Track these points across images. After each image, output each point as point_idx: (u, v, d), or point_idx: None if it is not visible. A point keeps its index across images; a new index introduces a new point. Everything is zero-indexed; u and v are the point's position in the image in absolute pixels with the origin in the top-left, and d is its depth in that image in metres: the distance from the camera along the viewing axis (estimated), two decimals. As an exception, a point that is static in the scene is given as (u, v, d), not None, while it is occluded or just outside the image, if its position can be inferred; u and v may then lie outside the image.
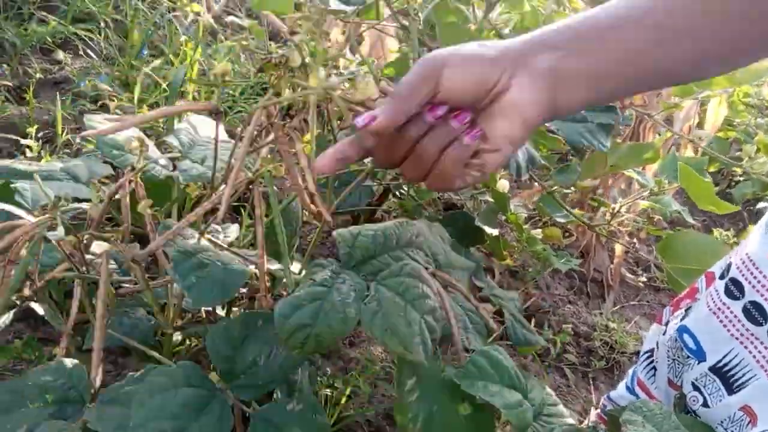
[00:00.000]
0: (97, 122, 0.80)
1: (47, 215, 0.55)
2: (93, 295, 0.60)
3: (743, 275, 0.71)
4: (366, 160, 1.11)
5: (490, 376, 0.57)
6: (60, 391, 0.53)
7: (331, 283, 0.57)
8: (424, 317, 0.54)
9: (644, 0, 0.46)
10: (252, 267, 0.59)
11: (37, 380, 0.53)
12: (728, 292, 0.73)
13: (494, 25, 1.23)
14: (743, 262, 0.71)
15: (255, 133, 0.53)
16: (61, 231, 0.51)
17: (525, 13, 1.26)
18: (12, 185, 0.74)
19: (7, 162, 0.87)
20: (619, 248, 1.78)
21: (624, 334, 1.59)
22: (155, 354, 0.60)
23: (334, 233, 0.63)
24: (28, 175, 0.82)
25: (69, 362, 0.54)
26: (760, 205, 2.40)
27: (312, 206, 0.48)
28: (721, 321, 0.74)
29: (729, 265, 0.75)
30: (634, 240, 2.00)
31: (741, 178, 2.61)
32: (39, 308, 0.66)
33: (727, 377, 0.74)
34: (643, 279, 1.95)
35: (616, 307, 1.77)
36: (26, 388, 0.52)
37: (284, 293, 0.67)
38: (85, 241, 0.57)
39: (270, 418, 0.54)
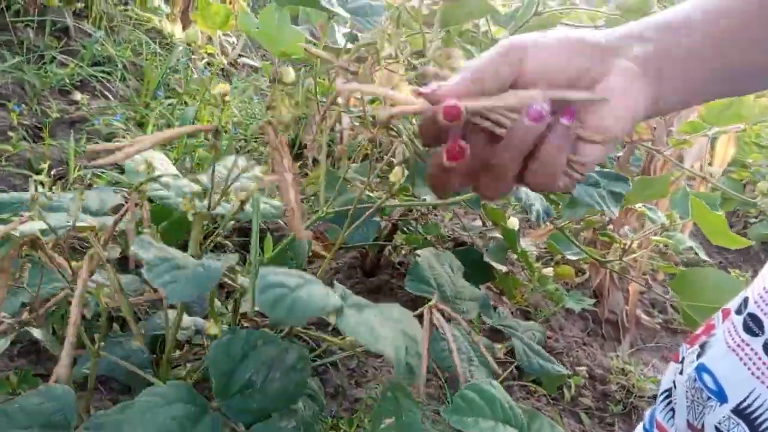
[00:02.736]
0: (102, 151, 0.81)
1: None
2: (91, 321, 0.59)
3: (762, 310, 0.68)
4: (372, 194, 1.11)
5: (481, 410, 0.54)
6: (47, 415, 0.52)
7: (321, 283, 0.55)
8: (407, 340, 0.52)
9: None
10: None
11: (25, 404, 0.52)
12: (747, 328, 0.70)
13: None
14: (761, 297, 0.69)
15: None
16: (36, 225, 0.50)
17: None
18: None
19: (19, 194, 0.88)
20: (633, 288, 1.74)
21: (641, 378, 1.54)
22: (149, 377, 0.58)
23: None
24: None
25: (59, 387, 0.53)
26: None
27: (294, 223, 0.47)
28: (741, 359, 0.71)
29: (746, 300, 0.72)
30: (648, 279, 1.96)
31: (755, 220, 2.57)
32: (37, 333, 0.65)
33: (751, 419, 0.70)
34: (660, 321, 1.90)
35: (632, 350, 1.72)
36: (14, 412, 0.51)
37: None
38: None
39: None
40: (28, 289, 0.59)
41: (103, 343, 0.58)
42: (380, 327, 0.51)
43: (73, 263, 0.52)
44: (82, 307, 0.51)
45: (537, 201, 0.71)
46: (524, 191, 0.70)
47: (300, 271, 0.55)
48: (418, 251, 0.74)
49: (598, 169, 0.96)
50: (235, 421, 0.53)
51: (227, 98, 0.57)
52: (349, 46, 1.14)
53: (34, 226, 0.54)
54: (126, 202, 0.90)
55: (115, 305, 0.63)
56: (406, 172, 0.72)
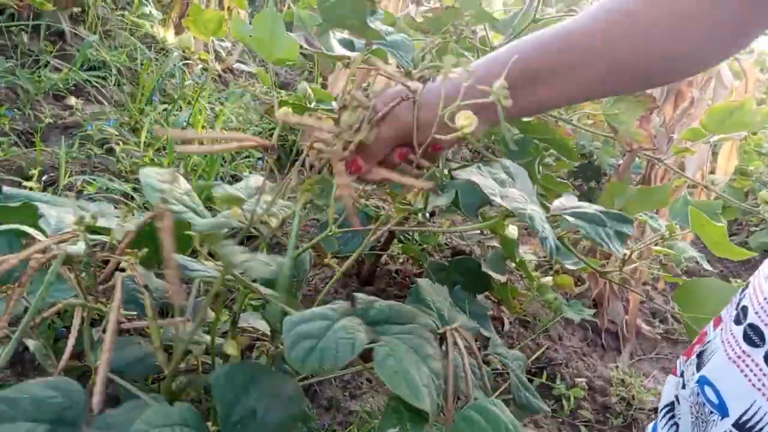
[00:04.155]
0: (153, 175, 0.79)
1: (69, 232, 0.52)
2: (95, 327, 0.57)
3: (762, 320, 0.66)
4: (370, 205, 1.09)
5: (483, 430, 0.52)
6: (56, 409, 0.50)
7: (341, 314, 0.57)
8: (432, 376, 0.53)
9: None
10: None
11: (35, 393, 0.50)
12: (747, 339, 0.68)
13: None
14: (762, 307, 0.67)
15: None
16: (81, 246, 0.49)
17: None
18: (38, 210, 0.71)
19: (24, 191, 0.86)
20: (633, 298, 1.71)
21: (642, 389, 1.51)
22: (142, 394, 0.56)
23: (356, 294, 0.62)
24: (45, 202, 0.81)
25: (72, 382, 0.51)
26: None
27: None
28: (742, 371, 0.69)
29: (744, 309, 0.70)
30: (648, 289, 1.94)
31: (756, 228, 2.55)
32: (31, 344, 0.63)
33: (752, 433, 0.68)
34: (660, 330, 1.88)
35: (632, 361, 1.69)
36: (22, 400, 0.49)
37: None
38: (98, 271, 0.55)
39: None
40: (27, 300, 0.57)
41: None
42: (416, 371, 0.52)
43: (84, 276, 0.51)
44: (115, 324, 0.49)
45: (550, 235, 0.71)
46: (541, 223, 0.69)
47: (322, 309, 0.56)
48: (418, 279, 0.74)
49: (603, 209, 0.96)
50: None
51: (223, 104, 0.55)
52: (348, 53, 1.13)
53: (80, 247, 0.53)
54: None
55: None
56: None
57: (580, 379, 1.48)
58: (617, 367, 1.61)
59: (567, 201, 0.87)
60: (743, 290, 0.75)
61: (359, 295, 0.63)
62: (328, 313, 0.56)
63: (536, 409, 0.70)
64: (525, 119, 1.07)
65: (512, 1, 1.57)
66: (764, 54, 2.98)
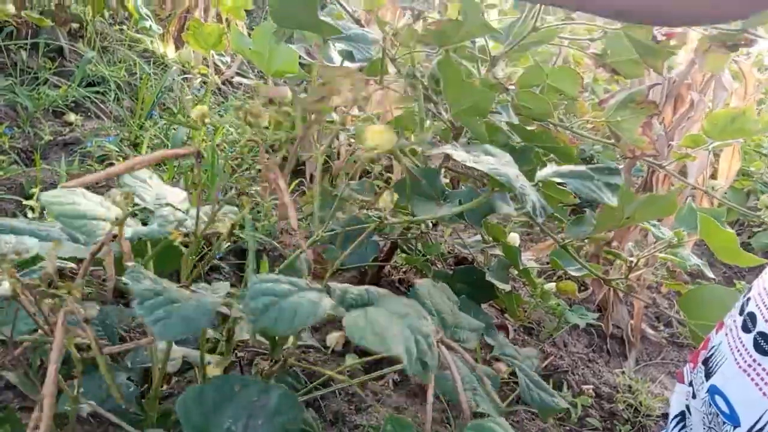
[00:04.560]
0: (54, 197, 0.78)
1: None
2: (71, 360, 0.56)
3: None
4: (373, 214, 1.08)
5: None
6: None
7: (315, 290, 0.53)
8: (416, 335, 0.49)
9: None
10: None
11: None
12: (758, 347, 0.68)
13: (499, 80, 1.23)
14: None
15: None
16: (5, 286, 0.47)
17: (529, 68, 1.26)
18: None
19: (7, 220, 0.85)
20: (638, 302, 1.71)
21: (649, 395, 1.50)
22: (124, 424, 0.55)
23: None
24: (26, 232, 0.80)
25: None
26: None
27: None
28: (752, 379, 0.68)
29: (753, 316, 0.69)
30: (654, 295, 1.93)
31: (759, 229, 2.54)
32: (11, 377, 0.62)
33: (765, 443, 0.67)
34: (665, 335, 1.87)
35: (638, 366, 1.68)
36: None
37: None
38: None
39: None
40: (2, 331, 0.56)
41: (82, 390, 0.55)
42: (388, 325, 0.48)
43: (47, 302, 0.49)
44: (59, 363, 0.48)
45: (531, 192, 0.69)
46: (518, 181, 0.67)
47: (296, 279, 0.53)
48: (417, 281, 0.72)
49: (591, 165, 0.96)
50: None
51: (207, 119, 0.55)
52: (347, 63, 1.13)
53: (4, 287, 0.51)
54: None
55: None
56: (395, 196, 0.69)
57: (586, 386, 1.47)
58: (623, 372, 1.60)
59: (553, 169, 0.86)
60: (746, 295, 0.75)
61: (333, 284, 0.60)
62: (300, 283, 0.53)
63: (552, 406, 0.68)
64: (528, 127, 1.07)
65: (507, 9, 1.57)
66: (761, 54, 2.99)
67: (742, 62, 1.87)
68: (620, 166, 1.85)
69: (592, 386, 1.48)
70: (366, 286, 0.57)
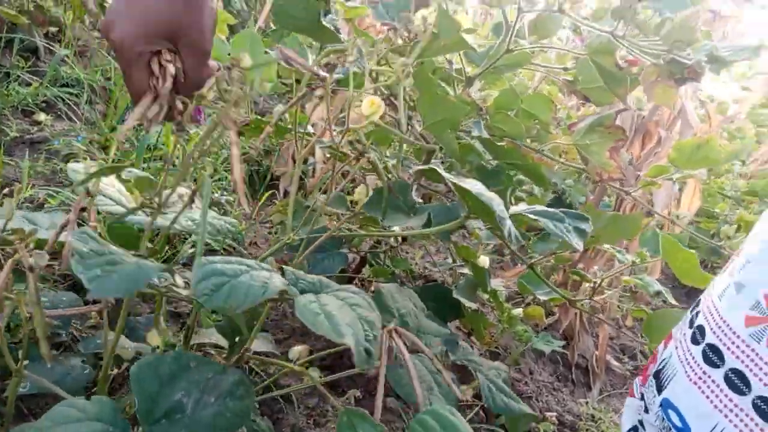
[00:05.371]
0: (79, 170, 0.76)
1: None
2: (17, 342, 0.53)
3: (721, 340, 0.66)
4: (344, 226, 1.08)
5: None
6: None
7: (267, 270, 0.52)
8: (362, 321, 0.49)
9: None
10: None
11: None
12: (707, 359, 0.68)
13: (474, 100, 1.25)
14: (719, 327, 0.67)
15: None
16: None
17: (504, 92, 1.29)
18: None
19: None
20: (603, 333, 1.71)
21: (611, 425, 1.50)
22: (71, 398, 0.52)
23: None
24: None
25: None
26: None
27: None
28: (703, 392, 0.68)
29: (701, 329, 0.70)
30: (619, 322, 1.95)
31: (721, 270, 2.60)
32: None
33: (715, 457, 0.67)
34: (630, 367, 1.88)
35: (601, 396, 1.68)
36: None
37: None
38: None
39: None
40: None
41: (27, 362, 0.52)
42: (340, 313, 0.47)
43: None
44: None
45: (508, 218, 0.70)
46: (499, 206, 0.68)
47: (248, 260, 0.51)
48: (381, 284, 0.71)
49: (563, 209, 0.96)
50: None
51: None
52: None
53: None
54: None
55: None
56: (371, 192, 0.69)
57: (550, 414, 1.46)
58: (587, 402, 1.59)
59: (526, 206, 0.88)
60: (694, 308, 0.75)
61: (288, 268, 0.60)
62: (251, 263, 0.52)
63: (516, 411, 0.67)
64: (498, 143, 1.08)
65: (486, 36, 1.61)
66: (724, 103, 3.12)
67: (708, 105, 1.95)
68: (590, 198, 1.89)
69: (555, 413, 1.47)
70: (320, 276, 0.56)
